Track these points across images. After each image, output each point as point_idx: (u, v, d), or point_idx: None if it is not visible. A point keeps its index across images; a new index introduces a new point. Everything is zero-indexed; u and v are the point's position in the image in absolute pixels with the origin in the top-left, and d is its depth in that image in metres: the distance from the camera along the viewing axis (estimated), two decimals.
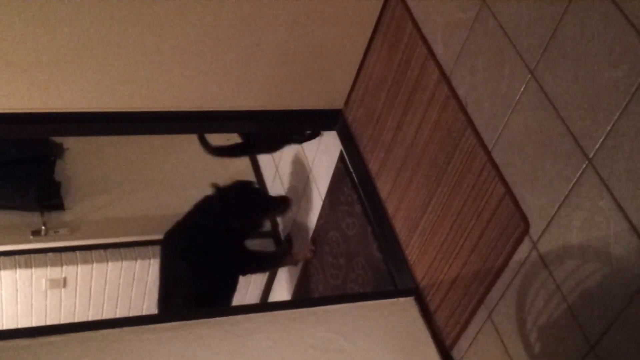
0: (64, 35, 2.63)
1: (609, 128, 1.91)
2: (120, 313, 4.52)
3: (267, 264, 4.26)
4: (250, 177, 4.63)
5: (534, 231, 2.22)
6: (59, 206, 4.27)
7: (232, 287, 3.87)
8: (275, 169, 4.40)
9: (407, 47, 2.83)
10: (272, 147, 4.15)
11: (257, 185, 3.98)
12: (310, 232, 3.95)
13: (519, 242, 2.28)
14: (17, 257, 4.17)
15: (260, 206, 3.87)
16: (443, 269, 2.68)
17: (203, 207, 3.73)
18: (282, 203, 3.99)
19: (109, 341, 2.30)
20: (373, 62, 3.10)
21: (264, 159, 4.67)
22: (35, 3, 2.49)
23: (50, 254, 4.21)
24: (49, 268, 4.19)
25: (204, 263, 3.67)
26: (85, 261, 4.24)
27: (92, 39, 2.68)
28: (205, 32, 2.81)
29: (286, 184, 4.26)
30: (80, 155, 4.43)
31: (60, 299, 4.37)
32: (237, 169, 4.64)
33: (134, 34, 2.72)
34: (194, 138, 4.33)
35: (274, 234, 4.49)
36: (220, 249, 3.70)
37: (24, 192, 4.18)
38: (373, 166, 3.19)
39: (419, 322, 2.73)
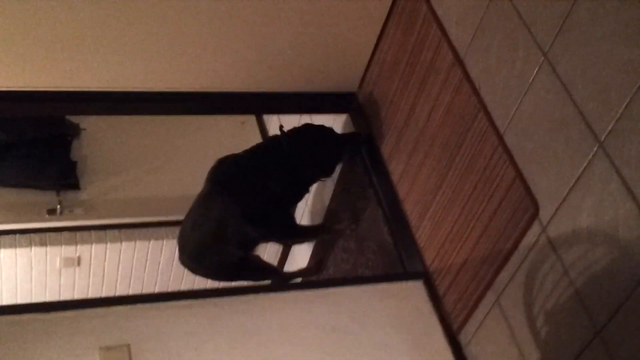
0: (83, 14, 2.65)
1: (621, 111, 1.90)
2: (132, 292, 4.57)
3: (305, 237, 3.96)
4: None
5: (544, 215, 2.21)
6: (75, 186, 4.31)
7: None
8: None
9: (421, 29, 2.82)
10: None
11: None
12: (322, 216, 3.96)
13: (528, 225, 2.28)
14: (32, 235, 4.23)
15: (332, 145, 3.37)
16: (452, 253, 2.68)
17: (269, 147, 3.33)
18: (354, 139, 3.49)
19: (121, 318, 2.33)
20: (387, 44, 3.09)
21: None
22: None
23: (65, 233, 4.27)
24: (63, 247, 4.24)
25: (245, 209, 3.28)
26: (99, 241, 4.28)
27: (111, 19, 2.70)
28: (221, 14, 2.83)
29: None
30: (97, 136, 4.47)
31: (74, 278, 4.42)
32: None
33: (153, 15, 2.74)
34: (208, 119, 4.35)
35: None
36: (276, 200, 3.32)
37: (41, 171, 4.22)
38: (385, 149, 3.20)
39: (427, 306, 2.74)
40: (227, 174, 3.32)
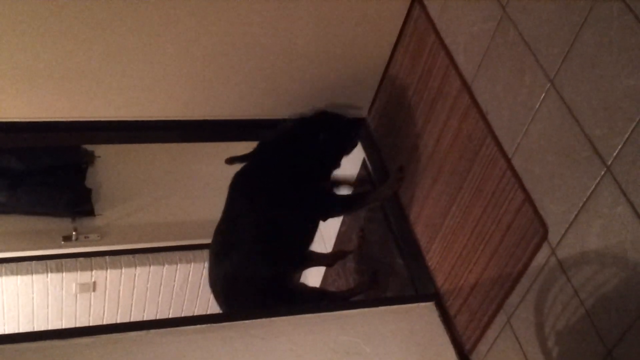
0: (97, 46, 2.70)
1: (627, 136, 1.92)
2: (147, 317, 4.59)
3: (357, 203, 3.35)
4: None
5: (553, 237, 2.24)
6: (90, 212, 4.35)
7: (310, 235, 3.24)
8: None
9: (429, 57, 2.87)
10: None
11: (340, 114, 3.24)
12: (334, 238, 3.99)
13: (537, 248, 2.30)
14: (48, 261, 4.27)
15: (348, 138, 3.23)
16: (463, 274, 2.71)
17: (282, 137, 3.12)
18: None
19: (136, 343, 2.36)
20: (396, 71, 3.14)
21: None
22: (69, 16, 2.57)
23: (80, 259, 4.30)
24: (79, 272, 4.28)
25: (278, 206, 3.02)
26: (114, 266, 4.32)
27: (123, 50, 2.75)
28: (230, 43, 2.88)
29: None
30: (111, 163, 4.51)
31: (90, 303, 4.45)
32: None
33: (164, 46, 2.79)
34: (221, 146, 4.39)
35: None
36: (299, 189, 3.08)
37: (56, 198, 4.27)
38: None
39: (439, 327, 2.75)
40: (248, 182, 3.10)
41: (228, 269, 3.03)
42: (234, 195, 3.10)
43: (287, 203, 3.04)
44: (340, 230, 3.94)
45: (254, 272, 3.02)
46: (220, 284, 3.09)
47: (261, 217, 3.02)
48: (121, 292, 4.44)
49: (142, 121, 3.08)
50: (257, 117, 3.25)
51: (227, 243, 3.06)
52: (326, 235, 4.10)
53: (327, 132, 3.10)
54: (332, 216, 3.33)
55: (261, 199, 3.02)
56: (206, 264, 3.67)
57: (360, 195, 3.41)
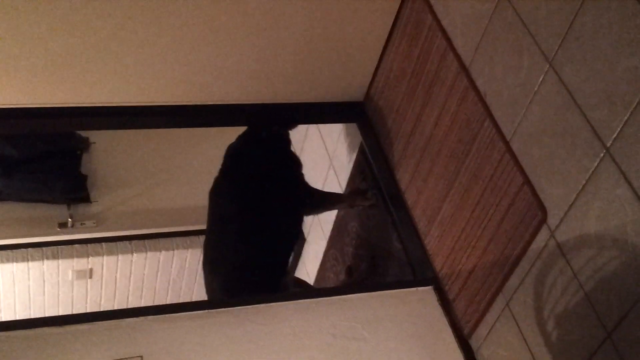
0: (90, 32, 2.68)
1: (626, 117, 1.91)
2: (144, 303, 4.59)
3: (329, 202, 3.70)
4: None
5: (552, 220, 2.23)
6: (86, 199, 4.34)
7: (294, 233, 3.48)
8: None
9: (426, 39, 2.85)
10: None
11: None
12: (331, 223, 3.98)
13: (536, 231, 2.29)
14: (44, 248, 4.27)
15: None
16: (461, 258, 2.70)
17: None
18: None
19: (134, 330, 2.35)
20: (393, 54, 3.12)
21: None
22: (62, 2, 2.54)
23: (76, 246, 4.30)
24: (75, 259, 4.27)
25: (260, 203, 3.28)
26: (110, 253, 4.31)
27: (117, 35, 2.73)
28: (226, 27, 2.85)
29: (307, 176, 4.28)
30: (106, 149, 4.50)
31: (87, 290, 4.45)
32: None
33: (158, 30, 2.76)
34: (216, 131, 4.38)
35: None
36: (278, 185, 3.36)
37: (51, 185, 4.26)
38: (393, 157, 3.22)
39: (438, 311, 2.75)
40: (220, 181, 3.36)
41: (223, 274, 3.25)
42: (217, 201, 3.34)
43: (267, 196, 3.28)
44: (338, 215, 3.93)
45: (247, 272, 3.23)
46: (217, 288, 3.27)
47: (248, 215, 3.23)
48: (118, 279, 4.44)
49: (137, 106, 3.06)
50: (253, 102, 3.23)
51: (218, 252, 3.27)
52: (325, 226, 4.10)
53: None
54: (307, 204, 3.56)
55: (244, 198, 3.27)
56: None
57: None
